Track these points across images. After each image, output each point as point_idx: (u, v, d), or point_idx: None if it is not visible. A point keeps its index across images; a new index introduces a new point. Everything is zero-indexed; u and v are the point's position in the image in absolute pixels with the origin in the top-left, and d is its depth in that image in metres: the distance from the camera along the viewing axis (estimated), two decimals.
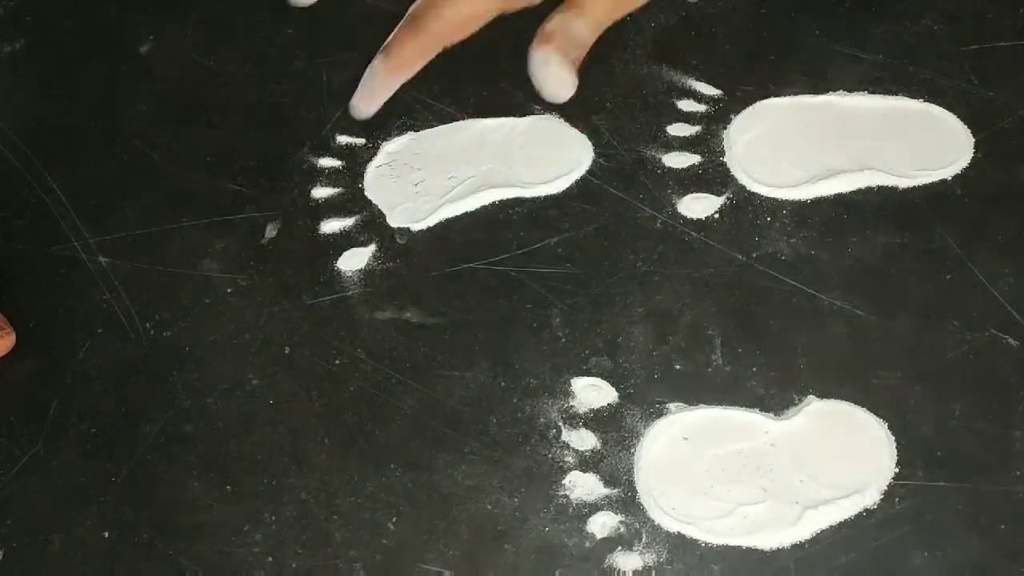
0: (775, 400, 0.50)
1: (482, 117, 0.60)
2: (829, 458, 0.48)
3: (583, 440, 0.50)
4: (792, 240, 0.54)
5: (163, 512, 0.49)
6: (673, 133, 0.59)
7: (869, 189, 0.56)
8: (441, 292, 0.54)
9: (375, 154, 0.59)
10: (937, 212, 0.55)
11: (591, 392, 0.51)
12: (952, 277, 0.53)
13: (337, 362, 0.52)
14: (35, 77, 0.64)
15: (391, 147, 0.59)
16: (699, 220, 0.56)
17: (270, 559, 0.47)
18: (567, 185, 0.57)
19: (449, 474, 0.49)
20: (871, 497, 0.47)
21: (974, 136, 0.57)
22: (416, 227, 0.56)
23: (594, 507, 0.48)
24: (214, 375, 0.52)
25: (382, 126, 0.60)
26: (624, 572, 0.46)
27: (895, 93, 0.59)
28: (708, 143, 0.58)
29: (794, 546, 0.46)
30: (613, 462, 0.49)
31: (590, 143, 0.58)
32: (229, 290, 0.55)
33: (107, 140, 0.61)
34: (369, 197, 0.58)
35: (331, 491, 0.49)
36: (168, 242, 0.57)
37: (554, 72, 0.51)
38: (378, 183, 0.58)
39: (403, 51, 0.51)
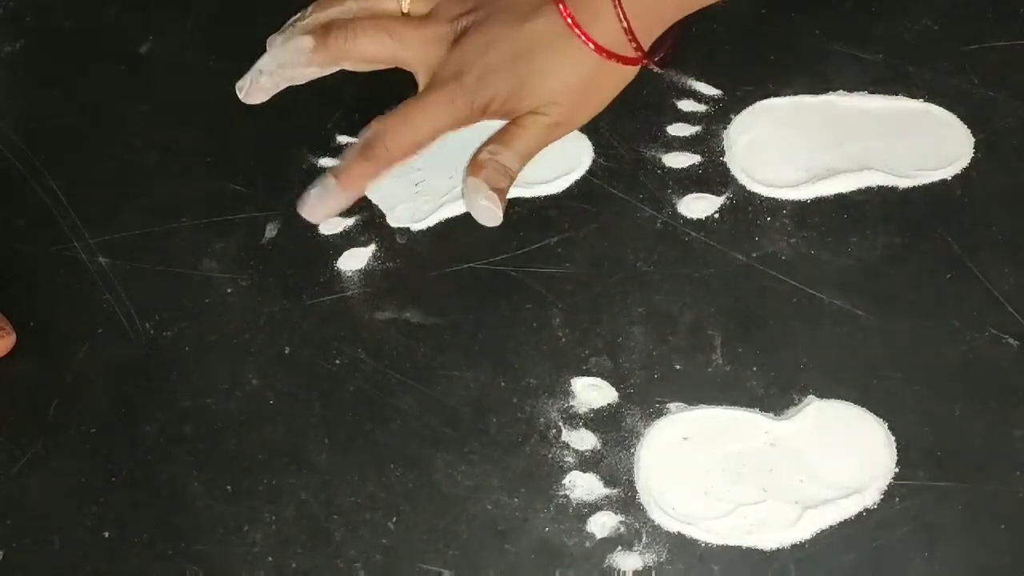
0: (775, 400, 0.50)
1: None
2: (829, 458, 0.48)
3: (583, 440, 0.50)
4: (792, 240, 0.54)
5: (163, 512, 0.49)
6: (673, 133, 0.59)
7: (869, 189, 0.56)
8: (441, 292, 0.54)
9: None
10: (937, 212, 0.55)
11: (591, 392, 0.51)
12: (952, 277, 0.53)
13: (337, 362, 0.52)
14: (35, 77, 0.64)
15: None
16: (699, 220, 0.56)
17: (270, 559, 0.47)
18: (567, 185, 0.57)
19: (449, 474, 0.49)
20: (871, 497, 0.47)
21: (974, 136, 0.57)
22: (416, 227, 0.56)
23: (594, 507, 0.48)
24: (214, 375, 0.52)
25: None
26: (624, 572, 0.46)
27: (895, 93, 0.59)
28: (708, 143, 0.58)
29: (794, 546, 0.46)
30: (613, 462, 0.49)
31: (590, 143, 0.59)
32: (229, 290, 0.55)
33: (107, 140, 0.61)
34: (369, 197, 0.58)
35: (331, 491, 0.49)
36: (168, 242, 0.57)
37: (483, 204, 0.54)
38: (378, 183, 0.58)
39: (355, 176, 0.55)
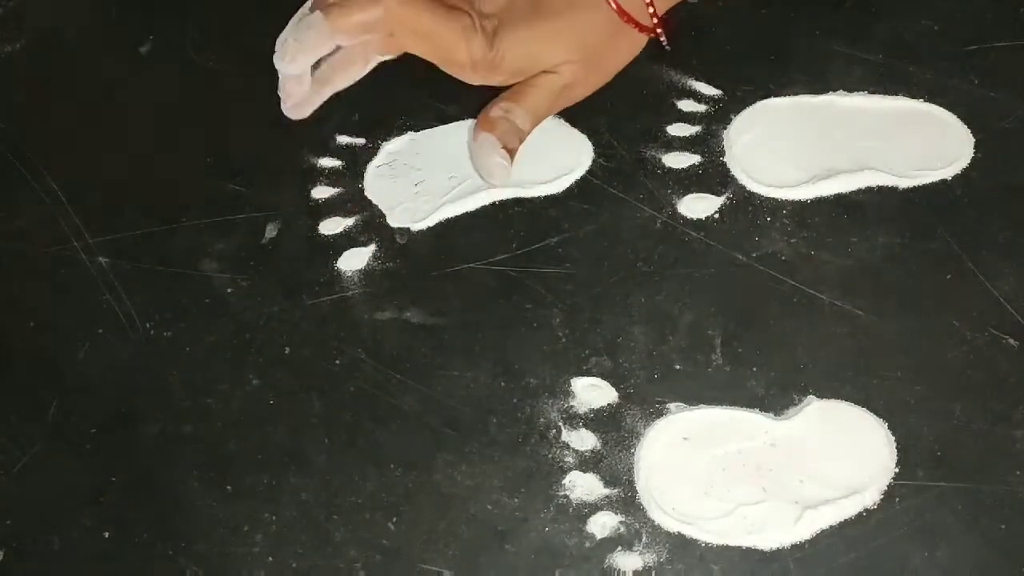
0: (775, 400, 0.50)
1: None
2: (829, 458, 0.48)
3: (583, 440, 0.50)
4: (792, 240, 0.54)
5: (163, 512, 0.49)
6: (673, 133, 0.59)
7: (869, 189, 0.56)
8: (441, 292, 0.54)
9: (375, 154, 0.59)
10: (937, 212, 0.55)
11: (591, 392, 0.51)
12: (952, 277, 0.53)
13: (337, 362, 0.52)
14: (35, 77, 0.64)
15: (391, 147, 0.60)
16: (699, 220, 0.56)
17: (270, 559, 0.47)
18: (567, 185, 0.57)
19: (449, 474, 0.49)
20: (871, 497, 0.47)
21: (974, 136, 0.57)
22: (416, 227, 0.56)
23: (594, 507, 0.48)
24: (214, 375, 0.52)
25: (382, 126, 0.60)
26: (624, 572, 0.46)
27: (895, 93, 0.59)
28: (708, 143, 0.58)
29: (794, 546, 0.46)
30: (613, 462, 0.49)
31: (590, 143, 0.59)
32: (229, 290, 0.55)
33: (107, 140, 0.61)
34: (369, 197, 0.58)
35: (331, 491, 0.49)
36: (168, 242, 0.57)
37: (498, 162, 0.53)
38: (378, 183, 0.58)
39: (347, 11, 0.50)
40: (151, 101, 0.62)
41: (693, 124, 0.59)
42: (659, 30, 0.56)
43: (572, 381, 0.51)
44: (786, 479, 0.48)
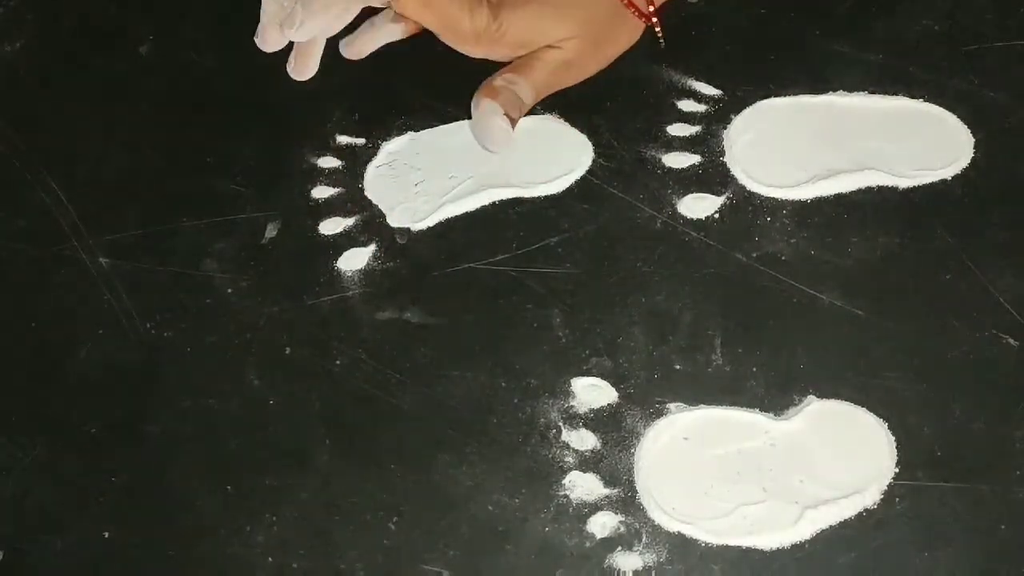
0: (775, 400, 0.50)
1: None
2: (829, 458, 0.48)
3: (583, 440, 0.50)
4: (792, 240, 0.54)
5: (163, 512, 0.49)
6: (673, 133, 0.59)
7: (869, 189, 0.56)
8: (441, 292, 0.54)
9: (375, 154, 0.59)
10: (937, 212, 0.55)
11: (591, 392, 0.51)
12: (952, 277, 0.53)
13: (337, 362, 0.52)
14: (35, 77, 0.64)
15: (391, 147, 0.59)
16: (699, 220, 0.56)
17: (270, 559, 0.47)
18: (567, 185, 0.57)
19: (449, 474, 0.49)
20: (871, 497, 0.47)
21: (974, 136, 0.57)
22: (416, 227, 0.56)
23: (594, 507, 0.48)
24: (214, 375, 0.52)
25: (382, 126, 0.60)
26: (624, 572, 0.46)
27: (895, 93, 0.59)
28: (708, 143, 0.58)
29: (794, 546, 0.46)
30: (613, 462, 0.49)
31: (590, 143, 0.59)
32: (229, 290, 0.55)
33: (107, 140, 0.61)
34: (369, 197, 0.58)
35: (331, 491, 0.49)
36: (168, 242, 0.57)
37: (500, 125, 0.54)
38: (378, 183, 0.58)
39: None
40: (151, 101, 0.62)
41: (693, 124, 0.59)
42: (655, 19, 0.57)
43: (572, 381, 0.51)
44: (786, 479, 0.48)
